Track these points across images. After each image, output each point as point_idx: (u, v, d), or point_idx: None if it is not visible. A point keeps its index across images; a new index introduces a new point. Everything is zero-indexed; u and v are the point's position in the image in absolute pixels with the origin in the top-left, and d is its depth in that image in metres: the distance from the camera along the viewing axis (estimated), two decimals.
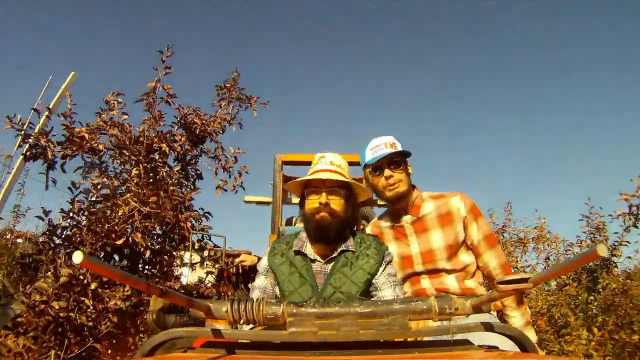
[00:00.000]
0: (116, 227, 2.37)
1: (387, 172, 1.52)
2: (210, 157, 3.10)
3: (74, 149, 2.55)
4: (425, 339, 0.94)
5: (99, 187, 2.56)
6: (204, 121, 3.02)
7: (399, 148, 1.54)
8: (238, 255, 2.39)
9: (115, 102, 2.70)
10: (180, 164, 2.97)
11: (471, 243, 1.54)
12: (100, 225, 2.35)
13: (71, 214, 2.49)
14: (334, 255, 1.38)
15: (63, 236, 2.50)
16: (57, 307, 2.13)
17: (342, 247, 1.39)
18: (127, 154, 2.69)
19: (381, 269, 1.38)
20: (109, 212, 2.42)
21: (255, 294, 1.41)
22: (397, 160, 1.53)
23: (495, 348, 0.83)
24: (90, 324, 2.24)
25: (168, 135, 2.85)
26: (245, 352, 0.78)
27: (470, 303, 0.74)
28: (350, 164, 2.79)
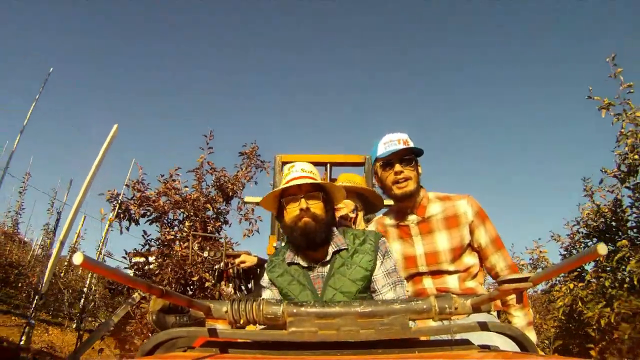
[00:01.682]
0: (190, 270, 3.35)
1: (397, 167, 1.50)
2: (240, 214, 4.28)
3: (151, 210, 3.85)
4: (426, 338, 0.93)
5: (167, 236, 3.76)
6: (232, 183, 4.23)
7: (412, 146, 1.53)
8: (238, 256, 2.39)
9: (177, 175, 4.10)
10: (216, 216, 4.17)
11: (478, 246, 1.53)
12: (177, 267, 3.40)
13: (142, 251, 3.73)
14: (327, 258, 1.37)
15: (145, 270, 3.59)
16: None
17: (334, 248, 1.38)
18: (182, 210, 3.89)
19: (378, 262, 1.36)
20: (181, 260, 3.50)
21: None
22: (408, 157, 1.52)
23: (495, 348, 0.83)
24: None
25: (210, 197, 4.10)
26: (245, 352, 0.78)
27: (470, 302, 0.73)
28: (351, 164, 2.80)
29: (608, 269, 3.77)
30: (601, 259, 3.85)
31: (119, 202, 3.87)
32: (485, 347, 0.81)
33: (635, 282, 3.23)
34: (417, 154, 1.55)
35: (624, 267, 3.53)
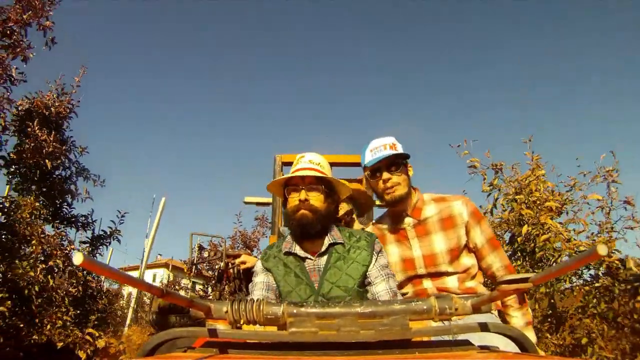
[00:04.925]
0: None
1: (385, 175, 1.50)
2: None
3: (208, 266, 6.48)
4: (426, 339, 0.94)
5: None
6: (252, 239, 7.22)
7: (399, 149, 1.52)
8: (239, 256, 2.39)
9: (222, 241, 6.40)
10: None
11: (474, 246, 1.53)
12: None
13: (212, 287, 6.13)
14: (323, 249, 1.39)
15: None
16: None
17: (330, 240, 1.39)
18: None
19: (373, 259, 1.38)
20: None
21: (257, 289, 1.40)
22: (396, 162, 1.51)
23: (495, 348, 0.83)
24: None
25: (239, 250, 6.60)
26: (245, 352, 0.78)
27: (470, 303, 0.73)
28: (352, 164, 2.80)
29: None
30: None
31: (193, 264, 6.57)
32: (485, 348, 0.81)
33: None
34: (404, 157, 1.54)
35: None
